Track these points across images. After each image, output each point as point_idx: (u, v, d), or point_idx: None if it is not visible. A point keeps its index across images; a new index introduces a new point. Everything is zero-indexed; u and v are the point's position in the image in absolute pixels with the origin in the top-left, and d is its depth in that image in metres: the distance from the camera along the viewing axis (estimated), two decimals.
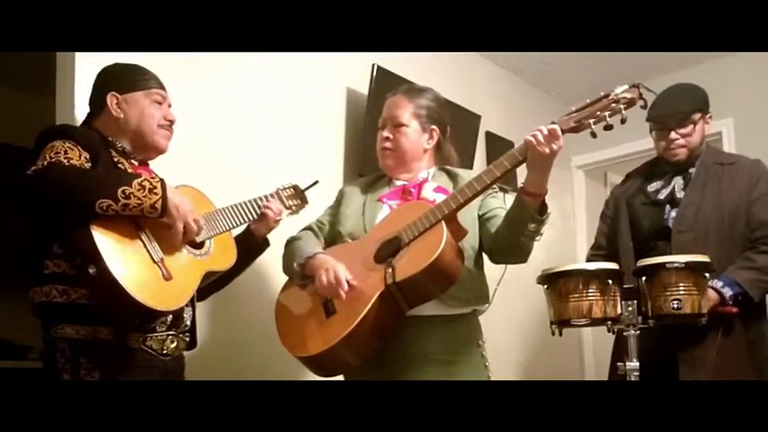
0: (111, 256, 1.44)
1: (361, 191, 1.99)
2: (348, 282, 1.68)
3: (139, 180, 1.49)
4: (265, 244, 1.94)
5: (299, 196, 2.00)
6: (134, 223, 1.52)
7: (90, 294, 1.49)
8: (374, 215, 1.88)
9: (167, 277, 1.52)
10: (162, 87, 1.76)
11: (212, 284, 1.80)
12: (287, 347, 1.76)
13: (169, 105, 1.77)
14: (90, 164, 1.56)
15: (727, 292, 2.08)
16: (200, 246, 1.66)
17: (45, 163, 1.48)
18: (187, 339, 1.70)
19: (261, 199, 1.89)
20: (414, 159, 1.93)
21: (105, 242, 1.45)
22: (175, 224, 1.53)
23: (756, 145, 3.24)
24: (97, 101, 1.72)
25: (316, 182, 2.03)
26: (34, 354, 3.36)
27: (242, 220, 1.82)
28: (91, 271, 1.43)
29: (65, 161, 1.50)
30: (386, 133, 1.92)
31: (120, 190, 1.44)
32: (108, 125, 1.69)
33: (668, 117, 2.30)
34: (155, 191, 1.48)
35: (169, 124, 1.74)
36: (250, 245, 1.89)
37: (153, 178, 1.52)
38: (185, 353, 1.74)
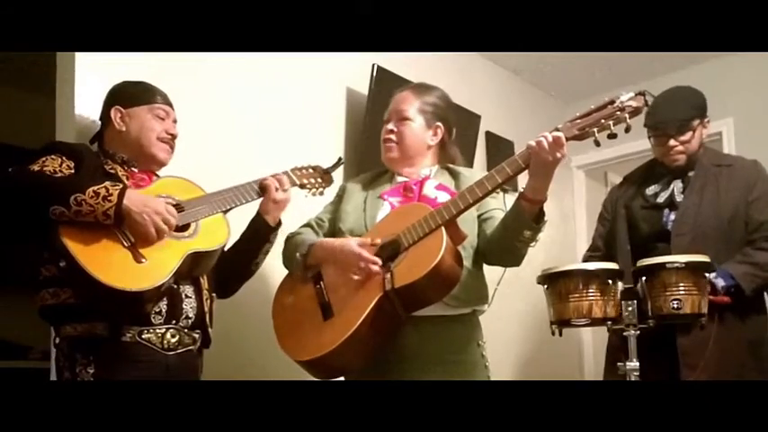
0: (79, 245, 1.46)
1: (362, 187, 1.99)
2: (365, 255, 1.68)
3: (96, 187, 1.49)
4: (277, 225, 1.90)
5: (319, 176, 1.97)
6: None
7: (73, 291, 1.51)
8: (375, 212, 1.88)
9: (138, 260, 1.51)
10: (167, 103, 1.78)
11: (231, 276, 1.84)
12: (284, 350, 1.76)
13: (174, 121, 1.79)
14: (73, 170, 1.59)
15: (720, 282, 2.08)
16: (184, 228, 1.64)
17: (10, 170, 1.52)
18: (195, 335, 1.67)
19: (256, 182, 1.85)
20: (417, 154, 1.92)
21: (73, 232, 1.47)
22: (147, 229, 1.53)
23: (756, 145, 3.24)
24: (104, 116, 1.76)
25: (340, 158, 2.00)
26: (34, 354, 3.36)
27: (234, 203, 1.77)
28: (61, 264, 1.46)
29: (36, 167, 1.54)
30: (390, 126, 1.93)
31: (72, 197, 1.46)
32: (112, 138, 1.74)
33: (667, 124, 2.29)
34: (109, 198, 1.48)
35: (170, 138, 1.76)
36: (256, 226, 1.87)
37: (113, 185, 1.52)
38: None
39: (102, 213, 1.48)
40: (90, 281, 1.43)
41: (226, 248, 1.75)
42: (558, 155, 1.58)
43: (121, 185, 1.53)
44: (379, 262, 1.67)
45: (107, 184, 1.51)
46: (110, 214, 1.48)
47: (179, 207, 1.65)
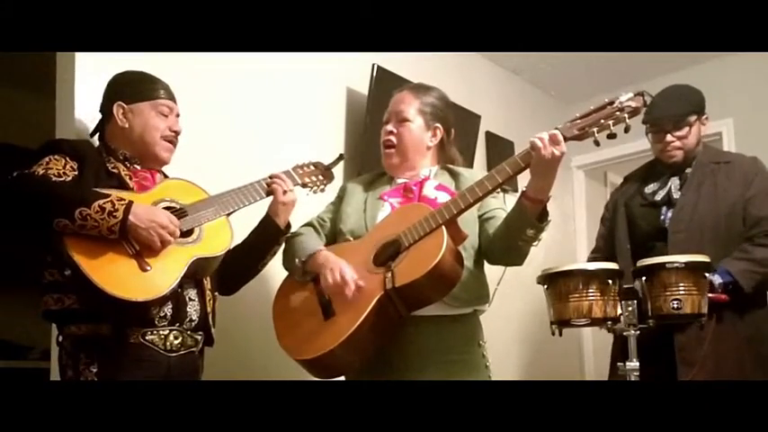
0: (84, 254, 1.45)
1: (363, 188, 1.99)
2: (354, 282, 1.67)
3: (102, 201, 1.48)
4: (287, 228, 1.89)
5: (320, 173, 1.96)
6: None
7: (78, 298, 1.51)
8: (375, 213, 1.88)
9: (144, 268, 1.51)
10: (171, 98, 1.76)
11: (237, 274, 1.84)
12: (285, 349, 1.76)
13: (177, 116, 1.77)
14: (76, 172, 1.58)
15: (717, 279, 2.08)
16: (188, 233, 1.64)
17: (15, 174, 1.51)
18: (198, 337, 1.68)
19: (259, 183, 1.85)
20: (416, 155, 1.92)
21: (78, 241, 1.46)
22: (153, 244, 1.53)
23: (756, 145, 3.23)
24: (105, 110, 1.74)
25: (341, 154, 1.99)
26: (34, 354, 3.37)
27: (236, 205, 1.77)
28: (66, 273, 1.46)
29: (40, 171, 1.53)
30: (390, 127, 1.93)
31: (77, 211, 1.45)
32: (114, 134, 1.72)
33: (664, 120, 2.30)
34: (115, 214, 1.48)
35: (174, 135, 1.75)
36: (265, 228, 1.87)
37: (119, 200, 1.51)
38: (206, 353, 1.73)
39: (106, 229, 1.47)
40: (95, 290, 1.43)
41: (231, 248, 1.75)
42: (557, 152, 1.59)
43: (127, 201, 1.52)
44: (362, 284, 1.66)
45: (113, 198, 1.50)
46: (114, 230, 1.48)
47: (182, 212, 1.65)
